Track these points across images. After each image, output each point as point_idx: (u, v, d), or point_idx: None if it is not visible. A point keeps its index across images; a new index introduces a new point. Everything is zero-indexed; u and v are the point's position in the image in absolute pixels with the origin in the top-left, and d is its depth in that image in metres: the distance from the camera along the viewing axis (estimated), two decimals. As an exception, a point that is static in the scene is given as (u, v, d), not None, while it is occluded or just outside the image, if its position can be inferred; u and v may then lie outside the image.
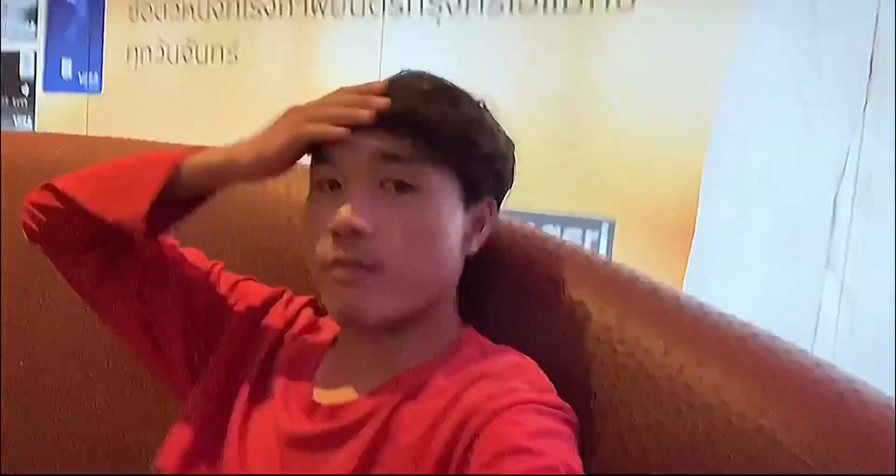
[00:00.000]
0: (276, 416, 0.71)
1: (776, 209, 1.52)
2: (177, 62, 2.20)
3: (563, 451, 0.60)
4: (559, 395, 0.67)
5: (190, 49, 2.17)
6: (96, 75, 2.39)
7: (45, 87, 2.53)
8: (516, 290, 0.79)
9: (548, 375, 0.69)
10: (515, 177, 0.76)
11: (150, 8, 2.24)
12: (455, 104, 0.69)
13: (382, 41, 1.80)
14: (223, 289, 0.79)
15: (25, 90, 2.57)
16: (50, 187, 0.73)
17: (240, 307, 0.78)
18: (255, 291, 0.80)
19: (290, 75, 1.93)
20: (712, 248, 1.56)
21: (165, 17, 2.22)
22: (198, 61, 2.16)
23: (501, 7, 1.67)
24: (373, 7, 1.84)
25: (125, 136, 1.08)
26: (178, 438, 0.73)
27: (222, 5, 2.11)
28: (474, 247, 0.72)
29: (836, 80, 1.42)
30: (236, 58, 2.08)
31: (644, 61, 1.56)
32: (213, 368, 0.76)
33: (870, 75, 1.38)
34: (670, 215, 1.57)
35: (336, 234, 0.65)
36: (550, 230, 1.65)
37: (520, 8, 1.65)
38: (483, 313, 0.77)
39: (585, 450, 0.64)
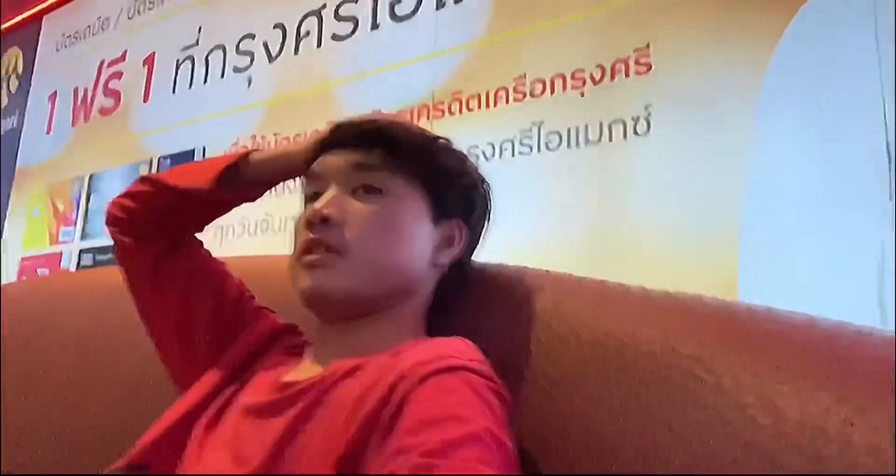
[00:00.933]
0: (243, 397, 0.76)
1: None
2: (255, 234, 2.41)
3: (488, 419, 0.59)
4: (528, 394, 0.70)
5: (267, 222, 2.39)
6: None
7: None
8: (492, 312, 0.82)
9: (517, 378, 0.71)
10: (490, 216, 0.85)
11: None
12: (423, 131, 0.82)
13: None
14: (249, 306, 0.89)
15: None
16: (144, 178, 0.86)
17: (258, 326, 0.87)
18: (272, 320, 0.89)
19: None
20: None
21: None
22: (273, 232, 2.36)
23: (531, 148, 1.79)
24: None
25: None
26: (160, 421, 0.79)
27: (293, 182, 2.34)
28: (443, 259, 0.79)
29: (855, 174, 1.41)
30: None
31: (665, 182, 1.61)
32: (214, 370, 0.83)
33: (889, 164, 1.37)
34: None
35: (309, 224, 0.73)
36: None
37: (546, 146, 1.77)
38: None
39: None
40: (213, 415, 0.78)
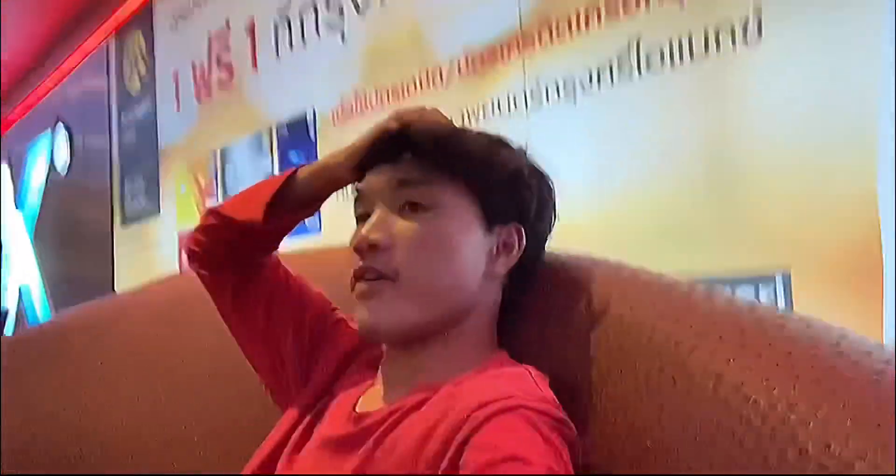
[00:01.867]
0: (321, 429, 0.79)
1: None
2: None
3: (549, 458, 0.59)
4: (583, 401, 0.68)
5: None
6: (317, 219, 2.70)
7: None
8: (557, 312, 0.79)
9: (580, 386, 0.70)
10: (556, 218, 0.82)
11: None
12: (471, 135, 0.78)
13: (529, 134, 1.84)
14: (331, 320, 0.90)
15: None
16: (210, 211, 0.88)
17: (340, 342, 0.88)
18: (354, 332, 0.87)
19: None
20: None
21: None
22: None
23: (630, 73, 1.64)
24: (516, 103, 1.90)
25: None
26: (257, 453, 0.83)
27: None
28: (500, 268, 0.76)
29: None
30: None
31: (785, 93, 1.42)
32: (307, 389, 0.86)
33: None
34: (851, 254, 1.35)
35: (357, 252, 0.73)
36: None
37: (648, 68, 1.60)
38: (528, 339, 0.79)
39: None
40: (294, 444, 0.80)
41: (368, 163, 0.78)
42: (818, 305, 1.37)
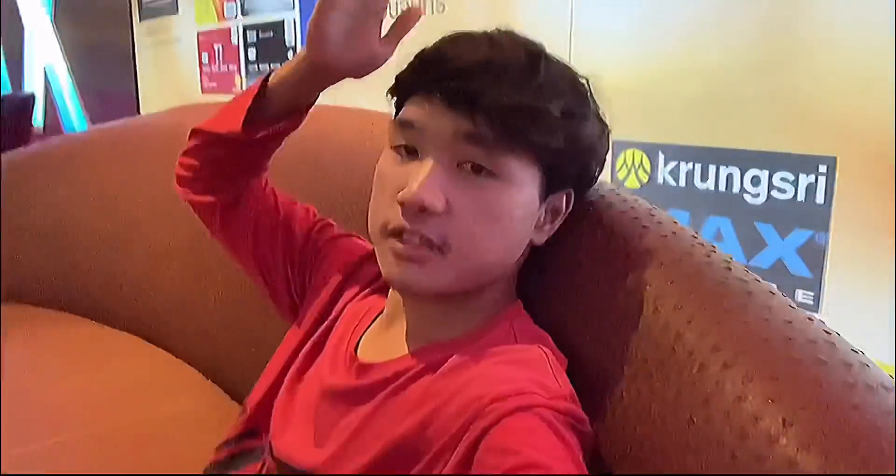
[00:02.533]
0: (322, 368, 0.79)
1: None
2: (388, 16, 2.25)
3: (567, 462, 0.58)
4: (594, 387, 0.66)
5: (396, 4, 2.22)
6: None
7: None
8: (589, 268, 0.74)
9: (586, 365, 0.68)
10: (604, 162, 0.74)
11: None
12: (554, 93, 0.66)
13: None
14: (323, 240, 0.88)
15: (291, 55, 2.83)
16: (194, 131, 0.83)
17: (335, 260, 0.87)
18: (350, 249, 0.88)
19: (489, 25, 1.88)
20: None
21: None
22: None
23: None
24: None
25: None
26: (264, 377, 0.85)
27: None
28: (542, 237, 0.72)
29: None
30: (443, 9, 2.08)
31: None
32: (305, 313, 0.86)
33: None
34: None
35: (404, 210, 0.64)
36: (756, 173, 1.44)
37: None
38: (547, 286, 0.76)
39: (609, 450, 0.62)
40: (297, 370, 0.82)
41: (406, 89, 0.69)
42: (861, 197, 1.32)
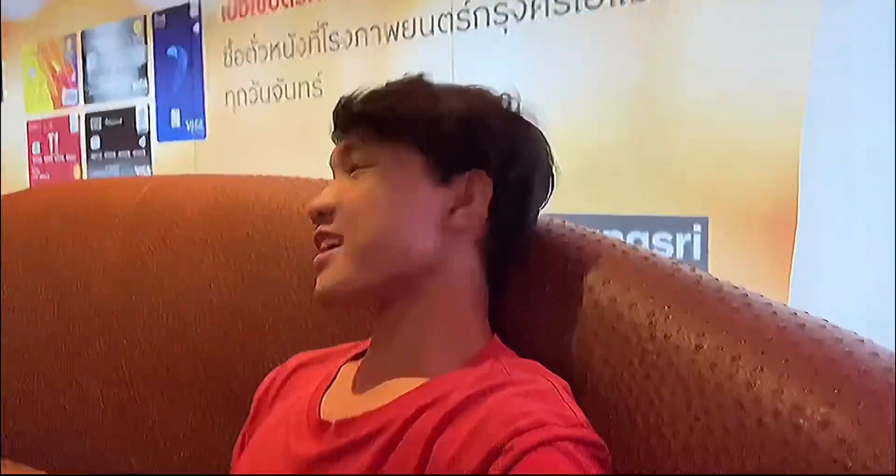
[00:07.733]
0: (284, 438, 0.72)
1: (887, 193, 1.36)
2: (268, 101, 2.28)
3: None
4: (586, 396, 0.66)
5: (280, 87, 2.25)
6: (201, 122, 2.52)
7: (159, 138, 2.69)
8: (547, 291, 0.75)
9: (575, 377, 0.68)
10: (552, 162, 0.76)
11: (242, 52, 2.34)
12: (416, 92, 0.73)
13: (453, 57, 1.79)
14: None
15: (143, 142, 2.74)
16: None
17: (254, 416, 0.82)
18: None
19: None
20: (818, 240, 1.42)
21: (255, 60, 2.32)
22: (287, 98, 2.23)
23: (567, 7, 1.61)
24: (441, 25, 1.83)
25: (226, 174, 1.16)
26: None
27: (304, 42, 2.17)
28: (461, 220, 0.70)
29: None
30: (321, 92, 2.13)
31: (722, 45, 1.46)
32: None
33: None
34: (768, 208, 1.44)
35: (312, 221, 0.73)
36: (638, 235, 1.56)
37: (585, 4, 1.58)
38: (513, 314, 0.75)
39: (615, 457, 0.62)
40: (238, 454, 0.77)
41: (334, 141, 0.76)
42: (733, 253, 1.47)
